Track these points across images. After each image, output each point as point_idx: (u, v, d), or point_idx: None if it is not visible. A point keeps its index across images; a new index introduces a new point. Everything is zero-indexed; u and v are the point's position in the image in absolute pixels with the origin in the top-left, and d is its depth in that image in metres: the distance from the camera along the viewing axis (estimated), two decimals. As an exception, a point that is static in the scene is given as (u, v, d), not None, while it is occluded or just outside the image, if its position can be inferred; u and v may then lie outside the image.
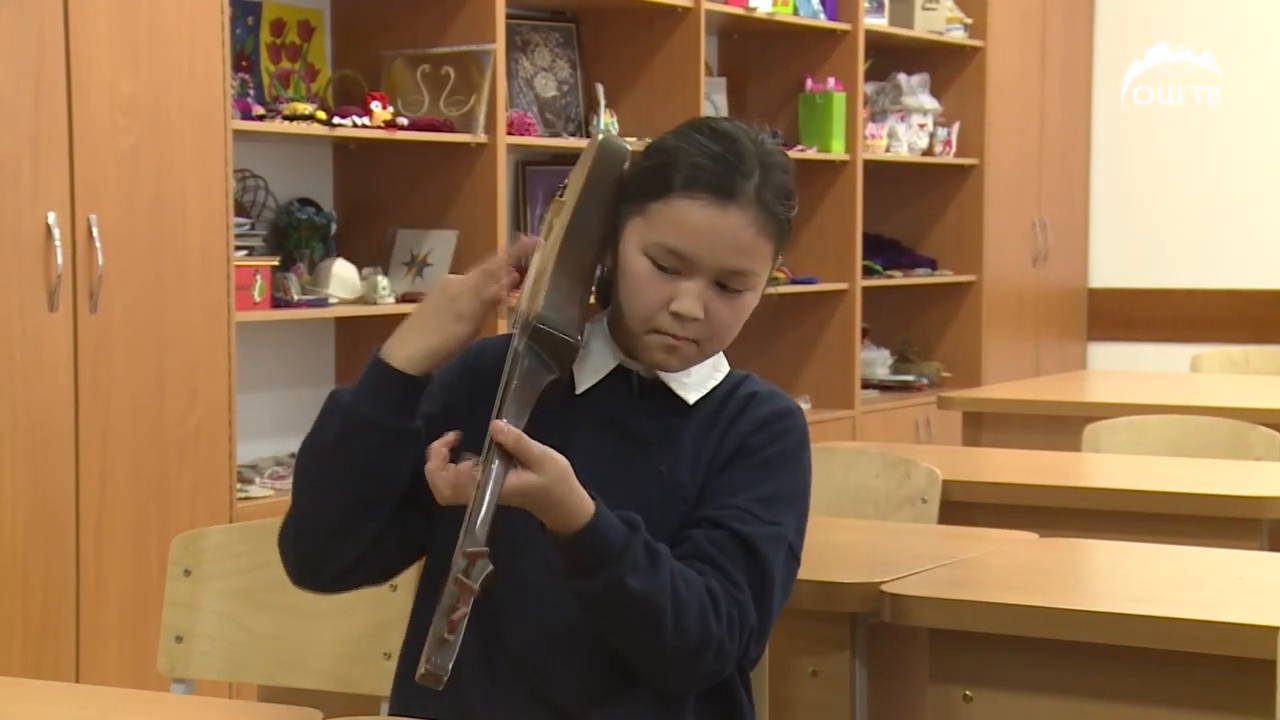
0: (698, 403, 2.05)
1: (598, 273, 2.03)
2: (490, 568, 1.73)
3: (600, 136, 2.02)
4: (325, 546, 2.01)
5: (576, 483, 1.85)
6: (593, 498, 1.86)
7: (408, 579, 2.24)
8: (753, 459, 2.02)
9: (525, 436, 1.82)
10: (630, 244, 1.99)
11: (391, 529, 1.99)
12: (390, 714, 2.07)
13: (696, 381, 2.05)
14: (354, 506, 1.98)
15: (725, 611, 1.93)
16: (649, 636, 1.90)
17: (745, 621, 1.95)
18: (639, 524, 1.89)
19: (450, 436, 1.87)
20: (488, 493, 1.77)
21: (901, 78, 6.60)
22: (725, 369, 2.09)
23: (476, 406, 1.93)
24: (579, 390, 2.05)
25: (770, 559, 1.97)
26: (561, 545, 1.87)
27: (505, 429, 1.81)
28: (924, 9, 6.55)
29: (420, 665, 1.71)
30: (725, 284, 1.98)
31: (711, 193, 1.96)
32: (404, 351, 1.96)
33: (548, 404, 1.99)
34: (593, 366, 2.06)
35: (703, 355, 2.03)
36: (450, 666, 1.71)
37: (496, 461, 1.79)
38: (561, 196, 2.01)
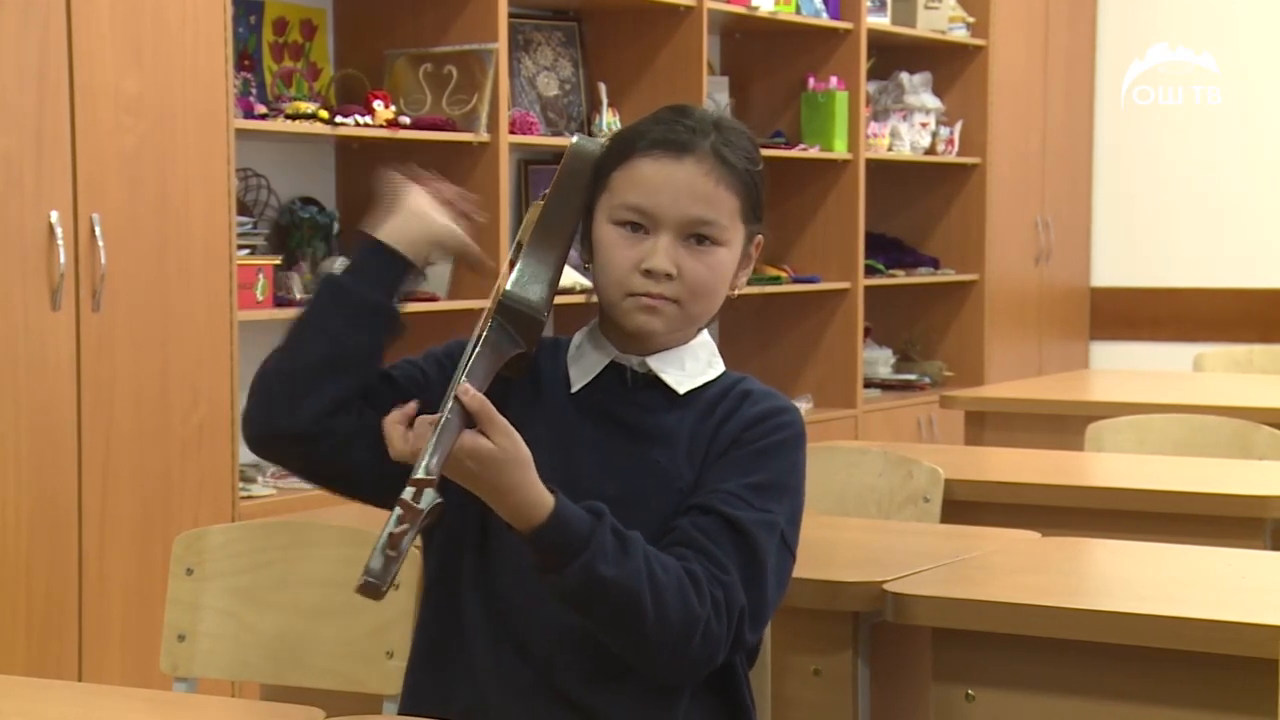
0: (693, 397, 2.06)
1: (584, 264, 2.07)
2: (439, 500, 1.73)
3: (576, 139, 2.09)
4: (286, 395, 1.99)
5: (535, 475, 1.84)
6: (552, 491, 1.85)
7: (410, 579, 2.24)
8: (746, 449, 2.02)
9: (490, 404, 1.81)
10: (599, 220, 2.04)
11: (350, 412, 1.98)
12: (400, 713, 2.07)
13: (689, 374, 2.07)
14: (317, 366, 1.98)
15: (708, 592, 1.91)
16: (630, 624, 1.88)
17: (732, 602, 1.93)
18: (604, 511, 1.88)
19: (411, 406, 1.85)
20: (442, 437, 1.78)
21: (904, 77, 6.60)
22: (720, 368, 2.10)
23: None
24: (574, 389, 2.07)
25: (760, 542, 1.96)
26: (528, 541, 1.86)
27: (471, 391, 1.81)
28: (926, 8, 6.55)
29: (360, 576, 1.71)
30: (694, 236, 2.01)
31: (665, 147, 2.01)
32: (390, 226, 2.05)
33: (544, 406, 2.01)
34: (587, 365, 2.08)
35: (686, 317, 2.04)
36: (390, 580, 1.71)
37: (455, 414, 1.80)
38: (542, 199, 2.06)
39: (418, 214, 2.05)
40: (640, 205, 2.00)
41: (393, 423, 1.84)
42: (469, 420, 1.81)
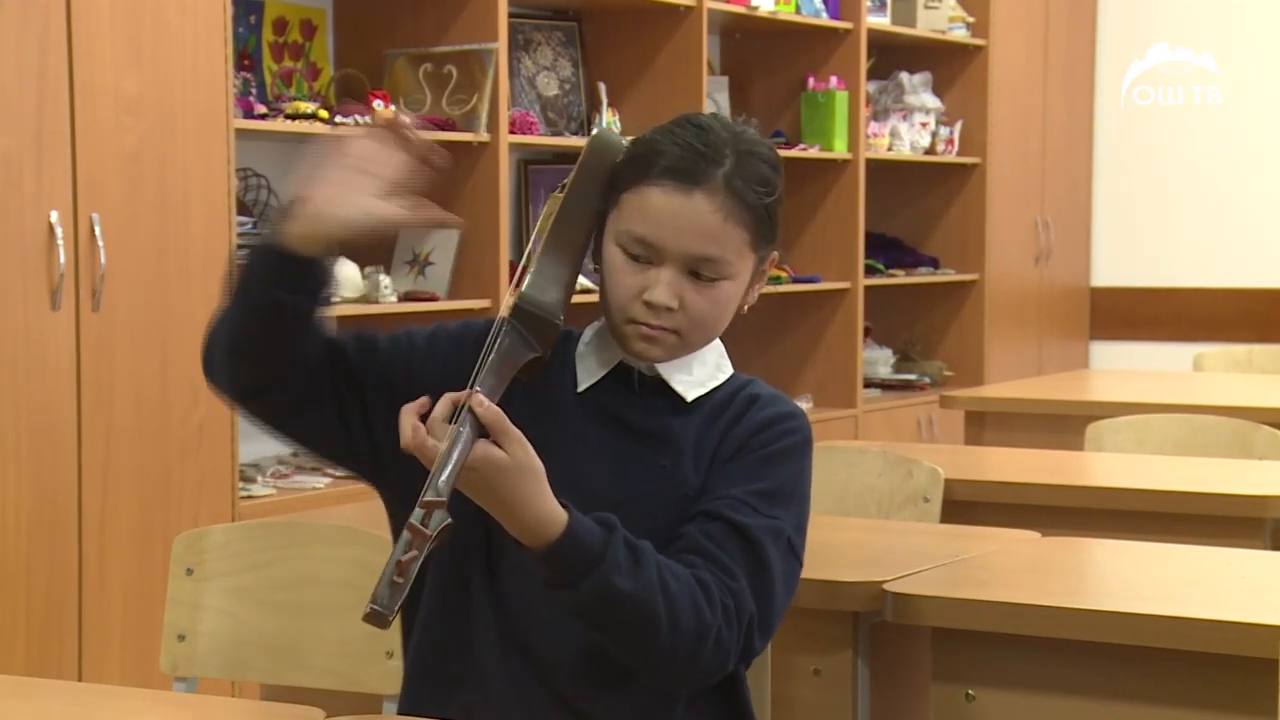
0: (700, 402, 2.04)
1: (591, 267, 2.05)
2: (449, 520, 1.71)
3: (596, 131, 2.04)
4: (214, 362, 1.97)
5: (547, 487, 1.82)
6: (565, 506, 1.83)
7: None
8: (753, 455, 2.00)
9: (505, 415, 1.79)
10: (608, 236, 2.01)
11: (293, 380, 1.94)
12: (400, 713, 2.07)
13: (698, 380, 2.05)
14: (229, 346, 1.94)
15: (719, 600, 1.90)
16: (644, 636, 1.87)
17: (743, 609, 1.92)
18: (615, 524, 1.87)
19: (424, 400, 1.81)
20: (455, 452, 1.75)
21: (904, 76, 6.60)
22: (729, 371, 2.08)
23: (461, 371, 1.89)
24: (580, 389, 2.05)
25: (767, 548, 1.94)
26: (541, 558, 1.83)
27: (485, 403, 1.79)
28: (926, 8, 6.55)
29: (366, 604, 1.69)
30: (698, 272, 1.98)
31: (675, 178, 1.96)
32: (303, 229, 1.87)
33: (550, 403, 2.00)
34: (594, 365, 2.06)
35: (687, 346, 2.02)
36: (397, 609, 1.69)
37: (468, 426, 1.77)
38: (560, 191, 2.02)
39: (323, 216, 1.86)
40: (645, 237, 1.97)
41: (408, 411, 1.80)
42: (482, 430, 1.78)
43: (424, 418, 1.80)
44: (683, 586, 1.88)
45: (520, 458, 1.80)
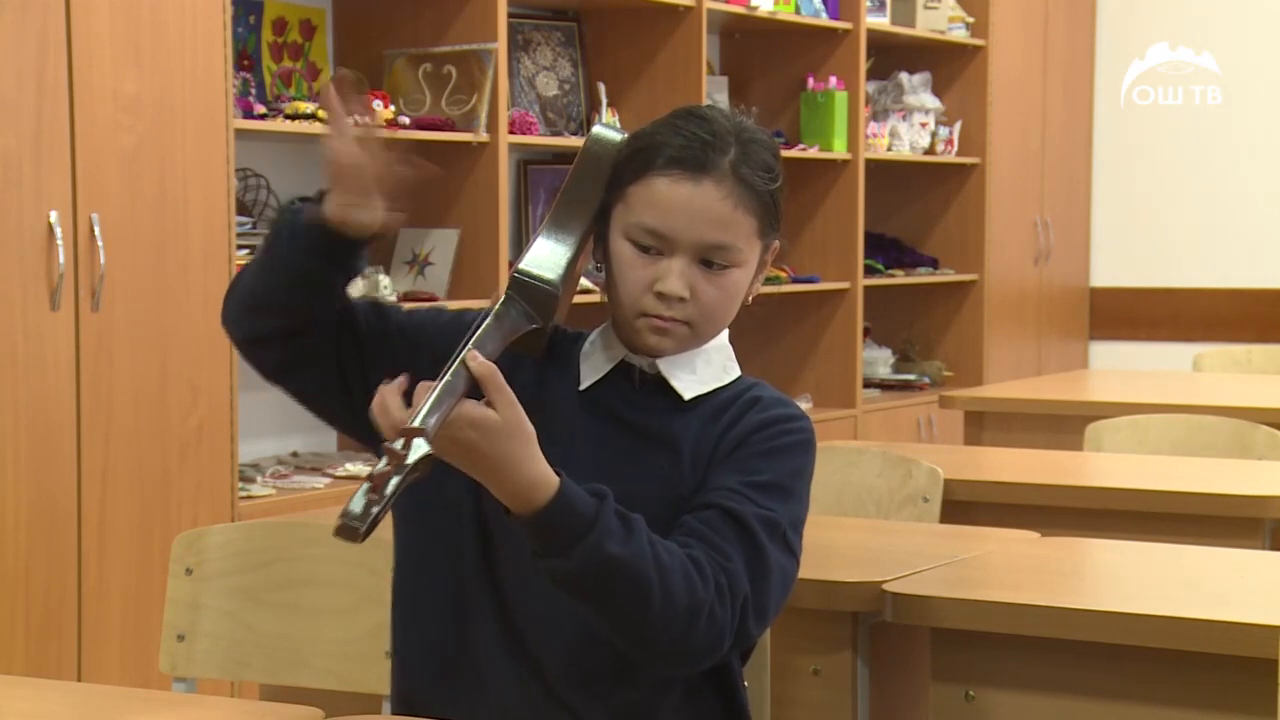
0: (701, 401, 2.03)
1: (593, 267, 2.05)
2: (428, 451, 1.67)
3: (595, 129, 2.05)
4: (231, 309, 2.07)
5: (539, 453, 1.79)
6: (558, 473, 1.81)
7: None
8: (749, 449, 1.99)
9: (499, 373, 1.77)
10: (615, 231, 2.00)
11: (303, 339, 2.02)
12: (392, 711, 2.07)
13: (700, 379, 2.04)
14: (251, 300, 2.04)
15: (712, 577, 1.87)
16: (637, 608, 1.84)
17: (736, 589, 1.89)
18: (606, 492, 1.84)
19: (401, 381, 1.78)
20: (442, 396, 1.73)
21: (903, 77, 6.60)
22: (735, 373, 2.07)
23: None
24: (582, 386, 2.05)
25: (762, 536, 1.93)
26: (530, 525, 1.80)
27: (479, 357, 1.77)
28: (926, 8, 6.55)
29: (337, 519, 1.65)
30: (709, 260, 1.98)
31: (684, 168, 1.96)
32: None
33: (551, 400, 2.00)
34: (597, 363, 2.05)
35: (697, 337, 2.02)
36: (369, 524, 1.64)
37: (458, 376, 1.75)
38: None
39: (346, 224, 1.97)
40: (656, 228, 1.97)
41: (380, 408, 1.76)
42: (475, 390, 1.76)
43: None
44: (675, 560, 1.86)
45: (511, 419, 1.77)
